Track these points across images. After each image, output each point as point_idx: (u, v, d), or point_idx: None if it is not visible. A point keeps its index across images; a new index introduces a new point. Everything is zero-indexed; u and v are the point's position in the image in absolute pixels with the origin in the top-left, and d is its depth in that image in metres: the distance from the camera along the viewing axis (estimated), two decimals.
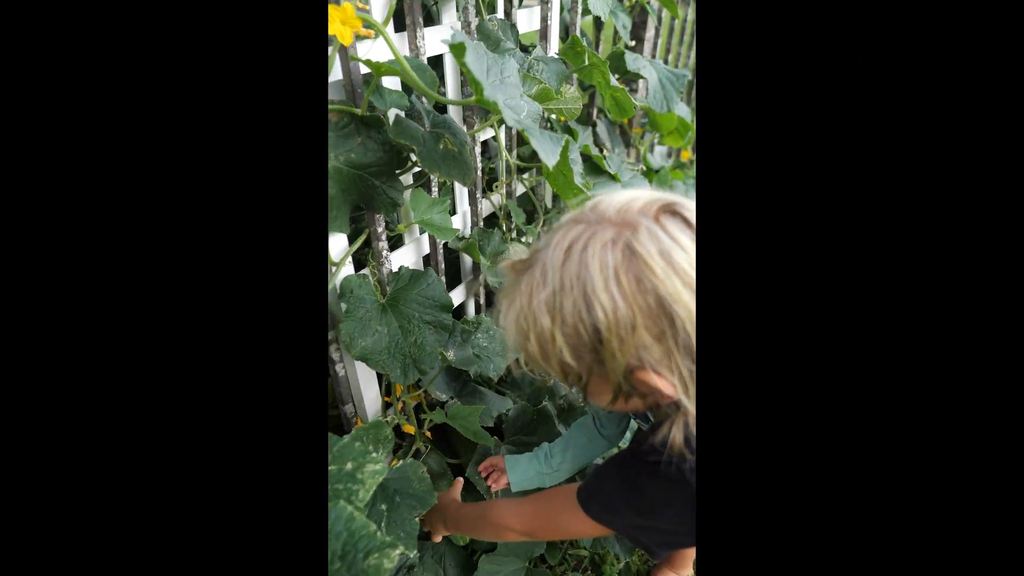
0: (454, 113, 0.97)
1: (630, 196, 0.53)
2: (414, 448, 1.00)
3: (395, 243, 1.15)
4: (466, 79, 0.96)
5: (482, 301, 1.20)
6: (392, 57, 0.73)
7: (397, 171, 0.81)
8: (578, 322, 0.50)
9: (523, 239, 1.24)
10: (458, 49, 0.59)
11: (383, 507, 0.72)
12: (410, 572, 0.91)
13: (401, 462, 0.77)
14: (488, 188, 1.16)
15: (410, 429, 0.97)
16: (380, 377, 0.98)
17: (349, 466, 0.59)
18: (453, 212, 1.10)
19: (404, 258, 0.98)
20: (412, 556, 0.91)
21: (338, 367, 0.86)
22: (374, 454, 0.60)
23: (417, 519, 0.72)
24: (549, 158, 0.62)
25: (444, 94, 1.01)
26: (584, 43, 1.12)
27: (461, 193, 1.09)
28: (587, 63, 1.13)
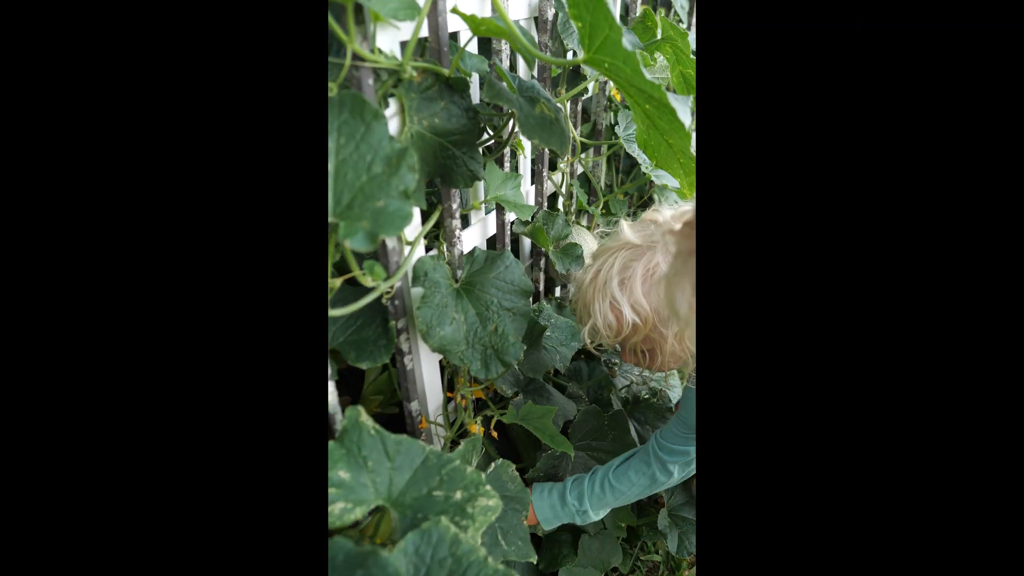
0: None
1: None
2: (483, 451, 0.93)
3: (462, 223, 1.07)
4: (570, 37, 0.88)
5: (541, 288, 1.12)
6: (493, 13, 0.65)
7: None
8: None
9: (582, 222, 1.16)
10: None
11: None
12: None
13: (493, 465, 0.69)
14: (551, 167, 1.08)
15: (478, 429, 0.90)
16: (442, 370, 0.91)
17: (458, 496, 0.52)
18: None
19: (470, 240, 0.90)
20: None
21: (406, 359, 0.78)
22: (487, 487, 0.52)
23: (525, 522, 0.64)
24: (685, 117, 0.55)
25: (514, 62, 0.93)
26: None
27: (524, 172, 1.01)
28: (659, 37, 1.05)
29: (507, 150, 0.87)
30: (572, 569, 0.95)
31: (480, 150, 0.73)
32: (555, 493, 0.89)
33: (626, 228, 0.78)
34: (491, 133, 0.81)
